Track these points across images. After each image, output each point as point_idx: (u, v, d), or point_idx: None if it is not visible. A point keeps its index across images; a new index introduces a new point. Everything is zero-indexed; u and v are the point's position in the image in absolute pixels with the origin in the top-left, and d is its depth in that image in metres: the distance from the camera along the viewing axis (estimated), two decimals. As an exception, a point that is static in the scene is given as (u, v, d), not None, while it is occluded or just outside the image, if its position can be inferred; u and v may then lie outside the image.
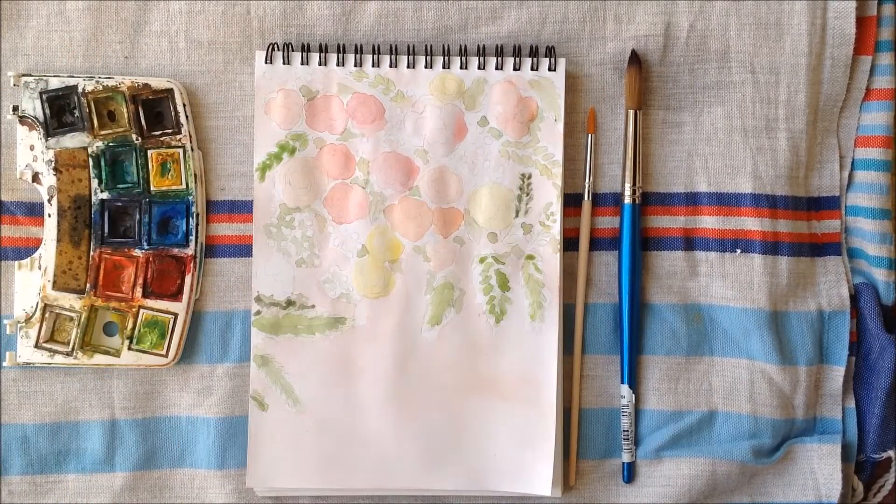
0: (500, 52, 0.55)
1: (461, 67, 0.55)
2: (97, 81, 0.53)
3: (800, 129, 0.56)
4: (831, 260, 0.57)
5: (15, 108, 0.53)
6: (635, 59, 0.55)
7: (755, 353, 0.56)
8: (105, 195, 0.54)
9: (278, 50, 0.54)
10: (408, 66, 0.55)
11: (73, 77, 0.54)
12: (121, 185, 0.54)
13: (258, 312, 0.55)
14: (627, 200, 0.56)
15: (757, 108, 0.56)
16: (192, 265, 0.55)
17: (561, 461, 0.56)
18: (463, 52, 0.55)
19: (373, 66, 0.55)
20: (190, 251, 0.55)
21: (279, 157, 0.55)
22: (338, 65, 0.55)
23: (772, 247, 0.55)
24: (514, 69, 0.55)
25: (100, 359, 0.54)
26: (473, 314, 0.55)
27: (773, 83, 0.55)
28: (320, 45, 0.55)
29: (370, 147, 0.55)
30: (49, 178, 0.54)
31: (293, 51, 0.55)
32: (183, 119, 0.54)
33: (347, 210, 0.55)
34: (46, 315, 0.54)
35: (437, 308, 0.55)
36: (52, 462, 0.55)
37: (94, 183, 0.54)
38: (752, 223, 0.55)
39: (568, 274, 0.56)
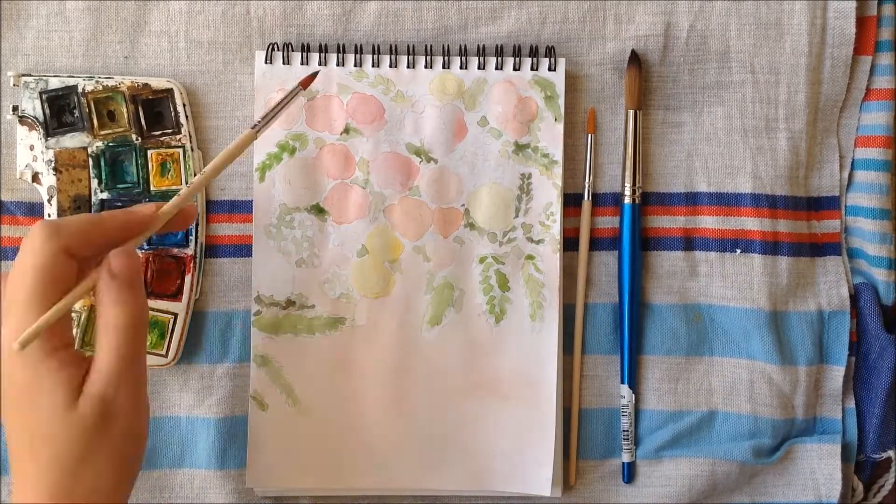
0: (500, 52, 0.55)
1: (461, 67, 0.55)
2: (97, 81, 0.53)
3: (800, 129, 0.56)
4: (831, 260, 0.57)
5: (15, 108, 0.53)
6: (635, 59, 0.55)
7: (755, 353, 0.56)
8: (105, 195, 0.54)
9: (278, 50, 0.54)
10: (408, 66, 0.55)
11: (72, 77, 0.54)
12: (121, 185, 0.54)
13: (258, 312, 0.55)
14: (627, 200, 0.56)
15: (757, 108, 0.56)
16: (191, 265, 0.55)
17: (561, 461, 0.56)
18: (463, 52, 0.55)
19: (373, 66, 0.55)
20: (190, 251, 0.55)
21: (279, 157, 0.55)
22: (338, 65, 0.55)
23: (772, 247, 0.55)
24: (514, 69, 0.55)
25: (100, 359, 0.54)
26: (473, 314, 0.55)
27: (773, 83, 0.55)
28: (320, 45, 0.55)
29: (370, 147, 0.55)
30: (49, 178, 0.54)
31: (293, 51, 0.55)
32: (183, 119, 0.54)
33: (347, 210, 0.55)
34: (46, 315, 0.54)
35: (437, 308, 0.55)
36: (52, 462, 0.55)
37: (94, 183, 0.54)
38: (751, 223, 0.56)
39: (568, 274, 0.56)
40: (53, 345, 0.40)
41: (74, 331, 0.53)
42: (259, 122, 0.48)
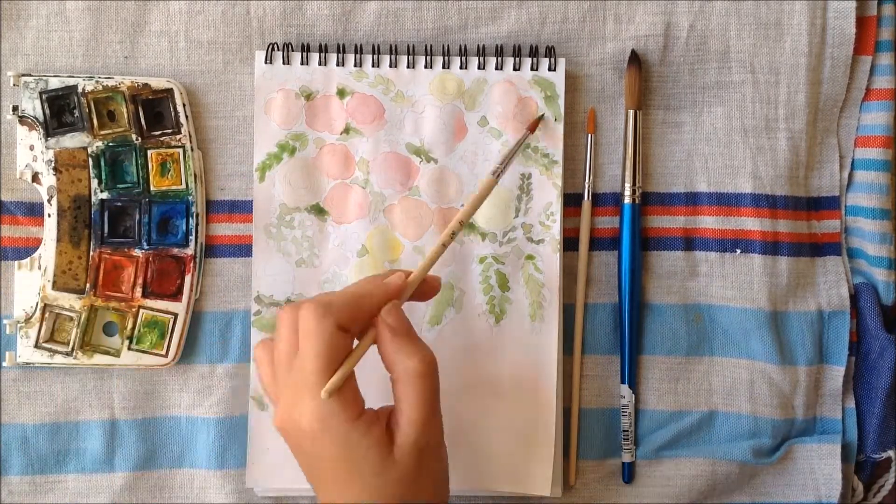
0: (500, 52, 0.55)
1: (461, 67, 0.55)
2: (97, 81, 0.53)
3: (800, 129, 0.56)
4: (831, 260, 0.57)
5: (15, 108, 0.53)
6: (635, 59, 0.55)
7: (755, 353, 0.56)
8: (105, 195, 0.54)
9: (278, 50, 0.54)
10: (408, 66, 0.55)
11: (72, 77, 0.54)
12: (121, 185, 0.54)
13: (258, 312, 0.54)
14: (627, 200, 0.56)
15: (757, 108, 0.56)
16: (191, 265, 0.55)
17: (561, 461, 0.56)
18: (463, 52, 0.55)
19: (373, 66, 0.55)
20: (190, 251, 0.55)
21: (279, 157, 0.55)
22: (338, 65, 0.55)
23: (772, 247, 0.55)
24: (514, 69, 0.55)
25: (100, 359, 0.54)
26: (473, 314, 0.55)
27: (773, 83, 0.55)
28: (320, 45, 0.55)
29: (370, 147, 0.55)
30: (49, 178, 0.54)
31: (293, 51, 0.55)
32: (183, 119, 0.54)
33: (347, 210, 0.55)
34: (46, 315, 0.54)
35: (437, 308, 0.55)
36: (52, 462, 0.55)
37: (94, 183, 0.54)
38: (752, 223, 0.55)
39: (568, 274, 0.56)
40: (351, 414, 0.43)
41: (74, 331, 0.54)
42: (499, 167, 0.52)
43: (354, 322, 0.44)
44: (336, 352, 0.43)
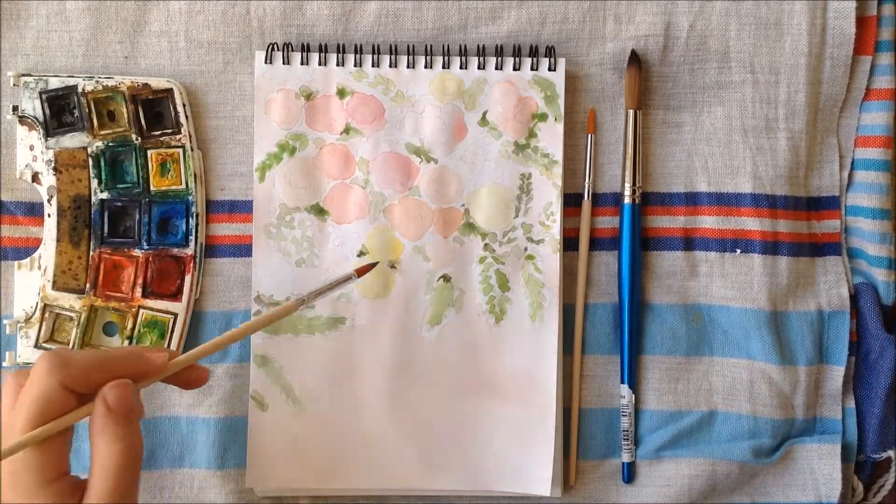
0: (499, 52, 0.55)
1: (461, 67, 0.55)
2: (97, 81, 0.53)
3: (800, 129, 0.56)
4: (831, 260, 0.57)
5: (15, 108, 0.53)
6: (635, 59, 0.55)
7: (755, 353, 0.56)
8: (105, 195, 0.54)
9: (278, 50, 0.54)
10: (408, 66, 0.55)
11: (72, 77, 0.54)
12: (120, 185, 0.54)
13: (258, 312, 0.55)
14: (627, 200, 0.56)
15: (757, 108, 0.56)
16: (191, 265, 0.55)
17: (561, 461, 0.56)
18: (463, 52, 0.55)
19: (373, 66, 0.55)
20: (190, 251, 0.55)
21: (279, 157, 0.55)
22: (338, 65, 0.55)
23: (772, 247, 0.55)
24: (514, 69, 0.55)
25: (100, 359, 0.54)
26: (473, 314, 0.55)
27: (773, 83, 0.55)
28: (320, 45, 0.55)
29: (370, 147, 0.55)
30: (49, 178, 0.54)
31: (293, 51, 0.55)
32: (183, 119, 0.54)
33: (347, 210, 0.55)
34: (46, 315, 0.54)
35: (437, 308, 0.55)
36: (52, 462, 0.55)
37: (94, 183, 0.54)
38: (751, 223, 0.56)
39: (568, 274, 0.56)
40: (48, 476, 0.40)
41: (74, 331, 0.54)
42: (306, 296, 0.50)
43: (88, 386, 0.41)
44: (49, 410, 0.40)
